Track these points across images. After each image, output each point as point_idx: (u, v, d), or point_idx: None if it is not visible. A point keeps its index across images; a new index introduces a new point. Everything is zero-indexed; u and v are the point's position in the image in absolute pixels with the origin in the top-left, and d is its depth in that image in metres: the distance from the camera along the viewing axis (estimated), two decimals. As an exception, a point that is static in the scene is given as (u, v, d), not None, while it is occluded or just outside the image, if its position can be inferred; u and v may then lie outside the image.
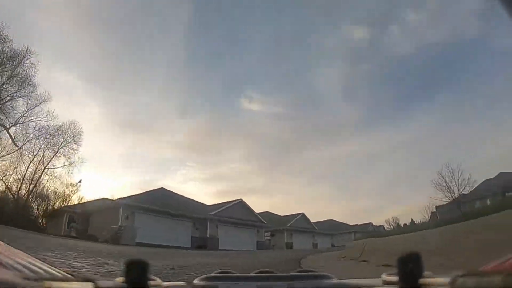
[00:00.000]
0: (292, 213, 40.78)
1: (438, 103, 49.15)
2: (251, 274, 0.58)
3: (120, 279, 0.44)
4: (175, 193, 29.32)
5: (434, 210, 33.45)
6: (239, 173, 55.15)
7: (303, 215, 40.89)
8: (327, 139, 62.27)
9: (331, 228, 44.92)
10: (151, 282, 0.46)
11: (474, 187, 28.89)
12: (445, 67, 47.13)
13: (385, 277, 0.49)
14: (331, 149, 61.79)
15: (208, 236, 27.77)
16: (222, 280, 0.58)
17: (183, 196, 29.89)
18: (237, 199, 32.57)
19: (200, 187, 50.22)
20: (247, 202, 33.09)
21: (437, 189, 29.07)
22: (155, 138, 46.13)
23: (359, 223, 47.13)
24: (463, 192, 28.30)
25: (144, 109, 44.67)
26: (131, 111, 42.86)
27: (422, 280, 0.41)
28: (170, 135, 47.52)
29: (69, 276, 0.64)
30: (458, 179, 28.07)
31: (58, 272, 0.65)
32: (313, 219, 42.58)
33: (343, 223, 46.70)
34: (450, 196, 28.81)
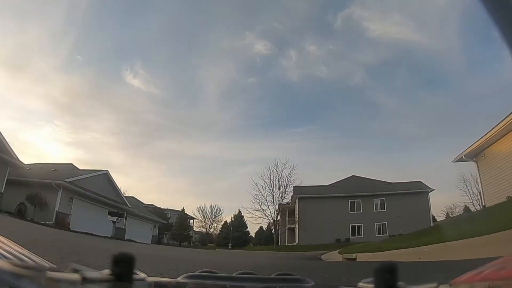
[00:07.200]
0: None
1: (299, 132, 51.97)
2: (234, 275, 0.61)
3: (106, 271, 0.45)
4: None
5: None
6: (101, 144, 50.97)
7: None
8: (200, 137, 58.67)
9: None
10: (136, 276, 0.48)
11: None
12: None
13: (361, 284, 0.51)
14: (197, 147, 58.39)
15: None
16: (206, 278, 0.61)
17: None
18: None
19: (62, 150, 45.70)
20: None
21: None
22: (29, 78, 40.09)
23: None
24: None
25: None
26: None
27: None
28: (47, 83, 42.17)
29: (56, 266, 0.65)
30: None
31: (47, 263, 0.66)
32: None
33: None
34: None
